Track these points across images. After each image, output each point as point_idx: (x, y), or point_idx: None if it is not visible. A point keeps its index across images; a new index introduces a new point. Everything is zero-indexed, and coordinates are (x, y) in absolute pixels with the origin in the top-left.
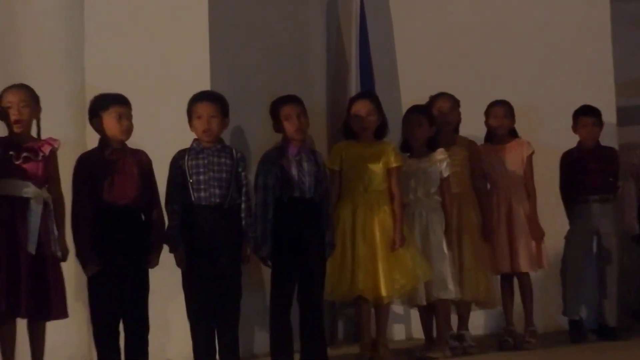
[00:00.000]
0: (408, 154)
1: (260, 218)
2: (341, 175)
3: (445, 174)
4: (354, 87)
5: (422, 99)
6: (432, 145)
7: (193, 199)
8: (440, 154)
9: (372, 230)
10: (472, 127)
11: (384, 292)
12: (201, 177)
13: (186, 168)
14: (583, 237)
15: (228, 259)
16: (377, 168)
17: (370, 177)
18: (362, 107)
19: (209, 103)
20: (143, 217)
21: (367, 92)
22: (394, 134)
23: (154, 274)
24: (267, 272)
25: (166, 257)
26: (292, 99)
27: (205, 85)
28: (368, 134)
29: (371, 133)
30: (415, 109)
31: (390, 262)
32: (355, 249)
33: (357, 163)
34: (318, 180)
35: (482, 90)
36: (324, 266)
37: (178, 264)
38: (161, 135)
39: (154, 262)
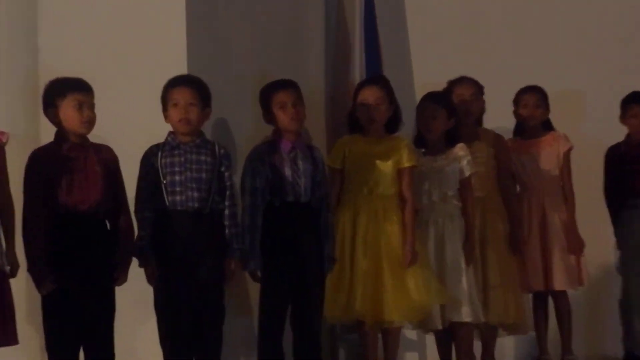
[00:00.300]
0: (422, 150)
1: (248, 226)
2: (343, 175)
3: (467, 174)
4: (357, 71)
5: (439, 85)
6: (450, 140)
7: (167, 203)
8: (460, 149)
9: (376, 242)
10: (499, 118)
11: (387, 317)
12: (177, 178)
13: (159, 167)
14: None
15: (208, 274)
16: (386, 167)
17: (376, 178)
18: (370, 95)
19: (187, 88)
20: (108, 225)
21: (378, 76)
22: (406, 126)
23: (120, 293)
24: (255, 292)
25: (135, 272)
26: (287, 84)
27: (182, 68)
28: (377, 126)
29: (381, 126)
30: (430, 97)
31: (397, 282)
32: (354, 264)
33: (362, 161)
34: (316, 181)
35: (510, 74)
36: (323, 284)
37: (149, 280)
38: (129, 127)
39: (121, 279)
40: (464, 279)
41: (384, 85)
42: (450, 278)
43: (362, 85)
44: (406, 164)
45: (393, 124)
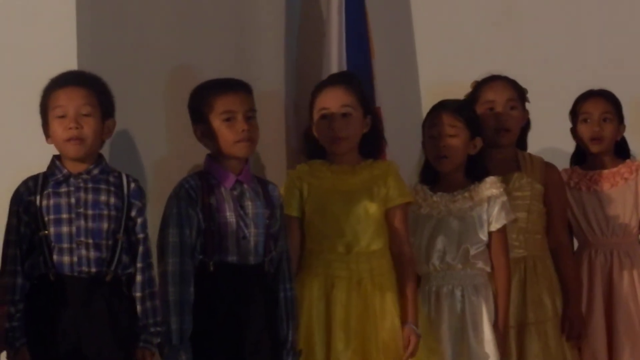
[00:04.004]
0: (428, 187)
1: (173, 302)
2: (304, 225)
3: (501, 223)
4: (334, 65)
5: (458, 89)
6: (475, 171)
7: (50, 266)
8: (492, 185)
9: (361, 326)
10: (548, 138)
11: None
12: (64, 229)
13: (37, 211)
14: None
15: None
16: (370, 210)
17: (356, 226)
18: (332, 102)
19: (78, 90)
20: None
21: (343, 74)
22: (409, 147)
23: None
24: None
25: None
26: (237, 85)
27: (71, 62)
28: (347, 148)
29: (354, 147)
30: (445, 106)
31: None
32: (332, 358)
33: (330, 203)
34: (271, 233)
35: (563, 74)
36: None
37: None
38: None
39: None
40: None
41: (354, 86)
42: None
43: (321, 87)
44: (399, 201)
45: (372, 143)
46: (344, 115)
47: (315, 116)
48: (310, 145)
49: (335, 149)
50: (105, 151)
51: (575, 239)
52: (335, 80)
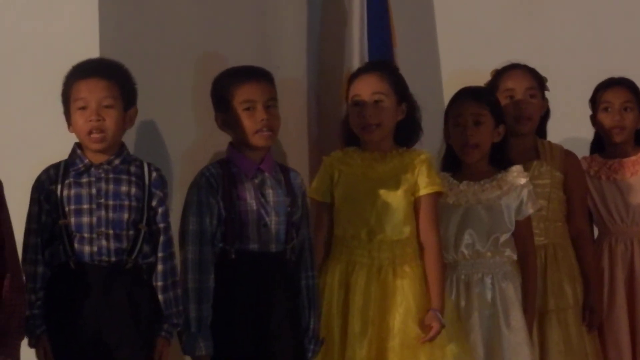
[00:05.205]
0: (451, 174)
1: (193, 290)
2: (333, 212)
3: (527, 213)
4: (356, 56)
5: (479, 77)
6: (499, 160)
7: (69, 254)
8: (518, 175)
9: (381, 315)
10: (568, 127)
11: None
12: (85, 219)
13: (59, 200)
14: None
15: None
16: (396, 198)
17: (380, 214)
18: (365, 88)
19: (99, 81)
20: None
21: (379, 62)
22: (432, 136)
23: None
24: None
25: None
26: (258, 74)
27: (93, 51)
28: (379, 136)
29: (387, 135)
30: (469, 93)
31: None
32: (348, 345)
33: (359, 189)
34: (293, 221)
35: (582, 62)
36: None
37: None
38: (17, 138)
39: None
40: None
41: (388, 73)
42: None
43: (355, 75)
44: (427, 190)
45: (406, 132)
46: (376, 102)
47: (349, 103)
48: (346, 133)
49: (366, 136)
50: (131, 141)
51: (595, 228)
52: (369, 67)
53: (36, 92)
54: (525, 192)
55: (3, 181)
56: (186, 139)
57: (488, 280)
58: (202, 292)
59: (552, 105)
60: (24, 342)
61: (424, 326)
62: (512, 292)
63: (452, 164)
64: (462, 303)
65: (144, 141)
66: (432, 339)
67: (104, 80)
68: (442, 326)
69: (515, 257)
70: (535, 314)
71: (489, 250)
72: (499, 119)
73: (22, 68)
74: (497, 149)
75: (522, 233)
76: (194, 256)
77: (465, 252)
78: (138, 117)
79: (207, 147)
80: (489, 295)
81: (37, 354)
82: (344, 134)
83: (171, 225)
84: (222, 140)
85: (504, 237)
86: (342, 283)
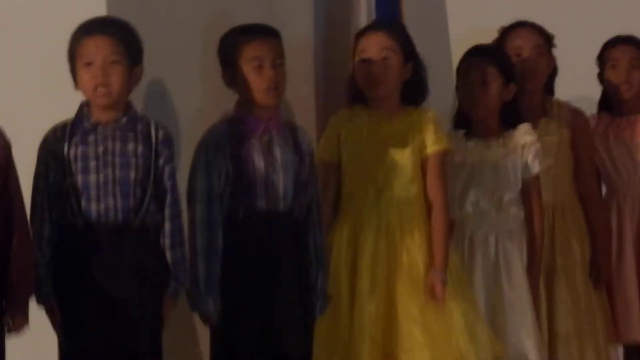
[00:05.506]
0: (463, 131)
1: (201, 249)
2: (340, 170)
3: (535, 170)
4: (364, 14)
5: (488, 36)
6: (508, 118)
7: (78, 214)
8: (526, 133)
9: (388, 271)
10: (576, 84)
11: None
12: (92, 178)
13: (65, 159)
14: None
15: (137, 319)
16: (403, 156)
17: (388, 172)
18: (373, 45)
19: (105, 38)
20: None
21: (386, 20)
22: (440, 96)
23: (16, 345)
24: (206, 346)
25: (37, 316)
26: (266, 32)
27: (100, 10)
28: (385, 93)
29: (393, 93)
30: (479, 52)
31: (423, 329)
32: (356, 304)
33: (364, 148)
34: (301, 180)
35: (589, 18)
36: (309, 333)
37: (53, 326)
38: (23, 99)
39: (17, 324)
40: (530, 324)
41: (395, 31)
42: (511, 324)
43: (362, 32)
44: (435, 147)
45: (413, 90)
46: (383, 59)
47: (356, 60)
48: (352, 90)
49: (372, 93)
50: (139, 101)
51: (603, 186)
52: (377, 25)
53: (43, 52)
54: (532, 150)
55: (11, 142)
56: (194, 99)
57: (492, 239)
58: (210, 252)
59: (560, 63)
60: (33, 301)
61: (427, 287)
62: (515, 251)
63: (464, 121)
64: (466, 260)
65: (152, 100)
66: (438, 299)
67: (110, 37)
68: (445, 284)
69: (522, 215)
70: (541, 272)
71: (494, 207)
72: (509, 77)
73: (29, 28)
74: (507, 108)
75: (529, 191)
76: (203, 215)
77: (470, 209)
78: (146, 77)
79: (215, 106)
80: (492, 254)
81: (45, 312)
82: (351, 92)
83: (178, 184)
84: (230, 100)
85: (508, 195)
86: (350, 242)
